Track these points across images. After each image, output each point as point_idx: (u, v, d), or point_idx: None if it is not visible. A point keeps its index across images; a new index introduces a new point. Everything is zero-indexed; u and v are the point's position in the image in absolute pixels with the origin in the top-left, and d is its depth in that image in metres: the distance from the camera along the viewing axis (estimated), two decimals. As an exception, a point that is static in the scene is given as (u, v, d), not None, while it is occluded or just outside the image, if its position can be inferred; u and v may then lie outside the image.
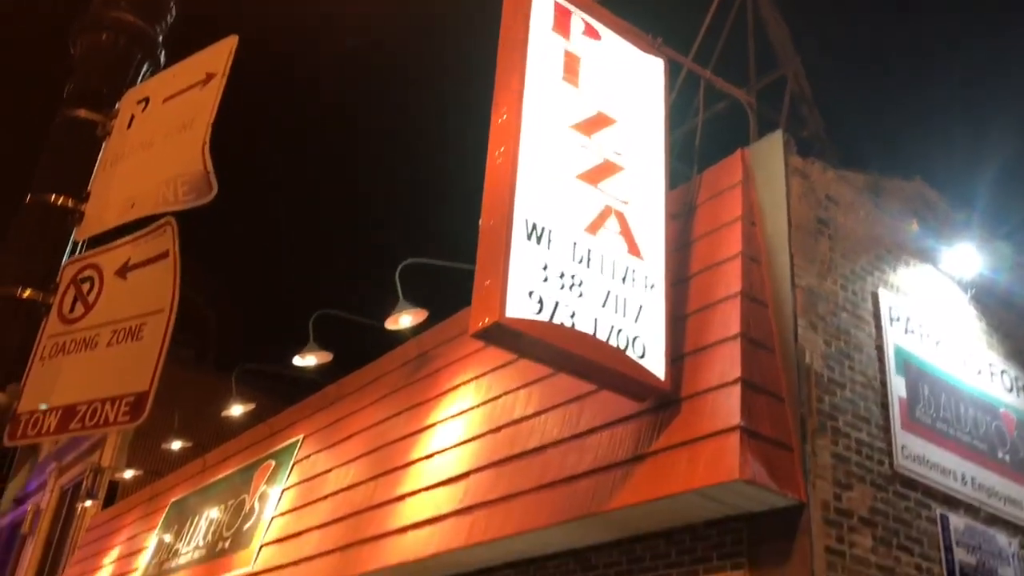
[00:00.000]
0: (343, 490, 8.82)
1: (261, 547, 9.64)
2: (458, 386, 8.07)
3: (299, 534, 9.09)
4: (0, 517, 22.89)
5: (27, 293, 2.74)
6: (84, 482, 18.14)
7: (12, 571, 21.42)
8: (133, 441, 18.35)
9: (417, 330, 9.42)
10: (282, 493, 10.04)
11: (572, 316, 5.30)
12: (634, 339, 5.55)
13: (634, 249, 5.80)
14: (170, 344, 2.60)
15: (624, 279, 5.65)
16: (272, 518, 9.85)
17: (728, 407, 5.33)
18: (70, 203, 2.87)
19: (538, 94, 5.68)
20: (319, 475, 9.49)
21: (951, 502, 6.18)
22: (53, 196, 2.85)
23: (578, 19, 6.15)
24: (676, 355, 5.77)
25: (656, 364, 5.61)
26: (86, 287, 2.86)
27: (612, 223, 5.74)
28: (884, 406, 6.08)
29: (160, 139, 2.85)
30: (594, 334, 5.37)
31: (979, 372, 6.92)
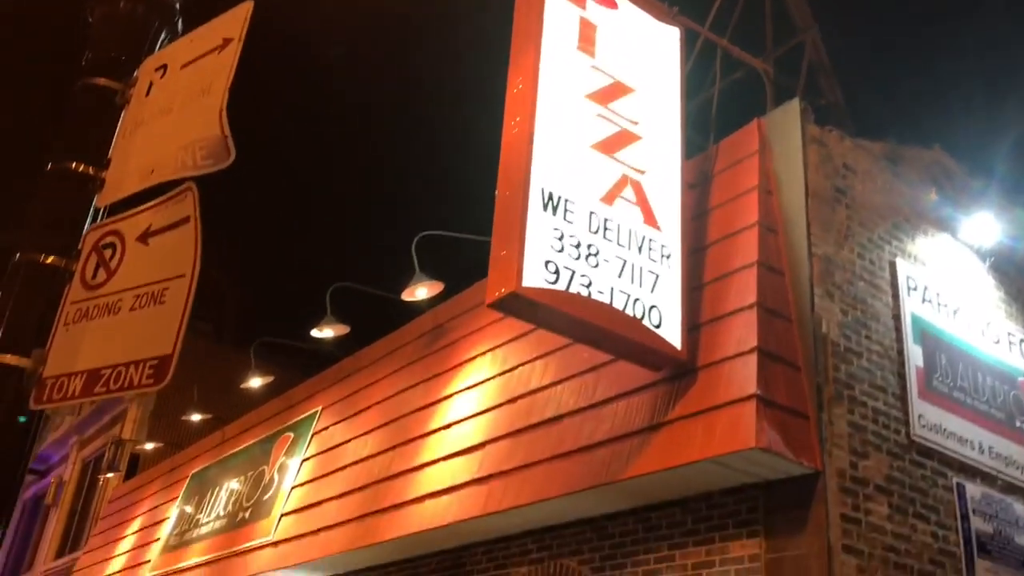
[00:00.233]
0: (361, 461, 8.91)
1: (281, 517, 9.76)
2: (474, 357, 8.11)
3: (318, 504, 9.19)
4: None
5: (50, 260, 2.77)
6: (106, 454, 18.39)
7: (37, 541, 21.79)
8: (153, 414, 18.56)
9: (433, 302, 9.47)
10: (301, 464, 10.14)
11: (588, 286, 5.31)
12: (650, 308, 5.55)
13: (650, 219, 5.79)
14: (191, 310, 2.63)
15: (640, 249, 5.65)
16: (291, 488, 9.97)
17: (744, 376, 5.34)
18: (91, 170, 2.89)
19: (554, 63, 5.66)
20: (337, 446, 9.58)
21: (968, 471, 6.18)
22: (74, 164, 2.88)
23: (594, -13, 6.10)
24: (692, 324, 5.77)
25: (672, 333, 5.62)
26: (108, 253, 2.88)
27: (628, 193, 5.73)
28: (901, 375, 6.07)
29: (178, 105, 2.86)
30: (610, 304, 5.38)
31: (997, 341, 6.89)
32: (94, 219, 2.96)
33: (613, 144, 5.76)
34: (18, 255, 2.77)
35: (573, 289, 5.24)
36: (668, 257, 5.78)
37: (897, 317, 6.24)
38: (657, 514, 6.14)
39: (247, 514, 10.60)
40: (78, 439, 21.81)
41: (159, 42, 3.20)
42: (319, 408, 10.58)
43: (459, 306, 8.88)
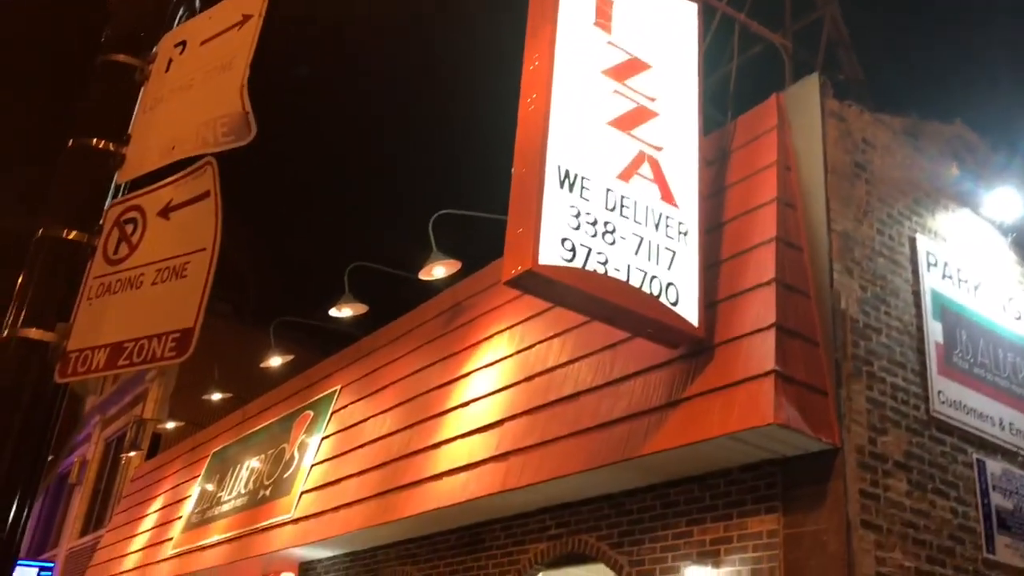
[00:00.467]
0: (380, 438, 8.98)
1: (301, 495, 9.86)
2: (492, 336, 8.13)
3: (338, 481, 9.28)
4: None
5: (73, 235, 2.80)
6: (128, 434, 18.60)
7: (62, 519, 22.11)
8: (174, 393, 18.75)
9: (451, 281, 9.49)
10: (321, 442, 10.23)
11: (605, 263, 5.31)
12: (667, 286, 5.55)
13: (668, 196, 5.77)
14: (212, 285, 2.66)
15: (657, 226, 5.64)
16: (311, 466, 10.06)
17: (762, 352, 5.33)
18: (111, 146, 2.92)
19: (570, 40, 5.63)
20: (356, 424, 9.65)
21: (988, 447, 6.16)
22: (95, 140, 2.91)
23: (611, -38, 6.06)
24: (710, 301, 5.76)
25: (690, 311, 5.61)
26: (130, 228, 2.92)
27: (645, 170, 5.71)
28: (920, 351, 6.05)
29: (199, 81, 2.88)
30: (627, 281, 5.37)
31: (1018, 317, 6.84)
32: (115, 195, 2.99)
33: (630, 121, 5.74)
34: (40, 231, 2.80)
35: (590, 267, 5.24)
36: (685, 234, 5.77)
37: (917, 293, 6.21)
38: (675, 490, 6.16)
39: (268, 492, 10.71)
40: (100, 419, 22.07)
41: (178, 18, 3.22)
42: (338, 387, 10.65)
43: (477, 285, 8.90)
